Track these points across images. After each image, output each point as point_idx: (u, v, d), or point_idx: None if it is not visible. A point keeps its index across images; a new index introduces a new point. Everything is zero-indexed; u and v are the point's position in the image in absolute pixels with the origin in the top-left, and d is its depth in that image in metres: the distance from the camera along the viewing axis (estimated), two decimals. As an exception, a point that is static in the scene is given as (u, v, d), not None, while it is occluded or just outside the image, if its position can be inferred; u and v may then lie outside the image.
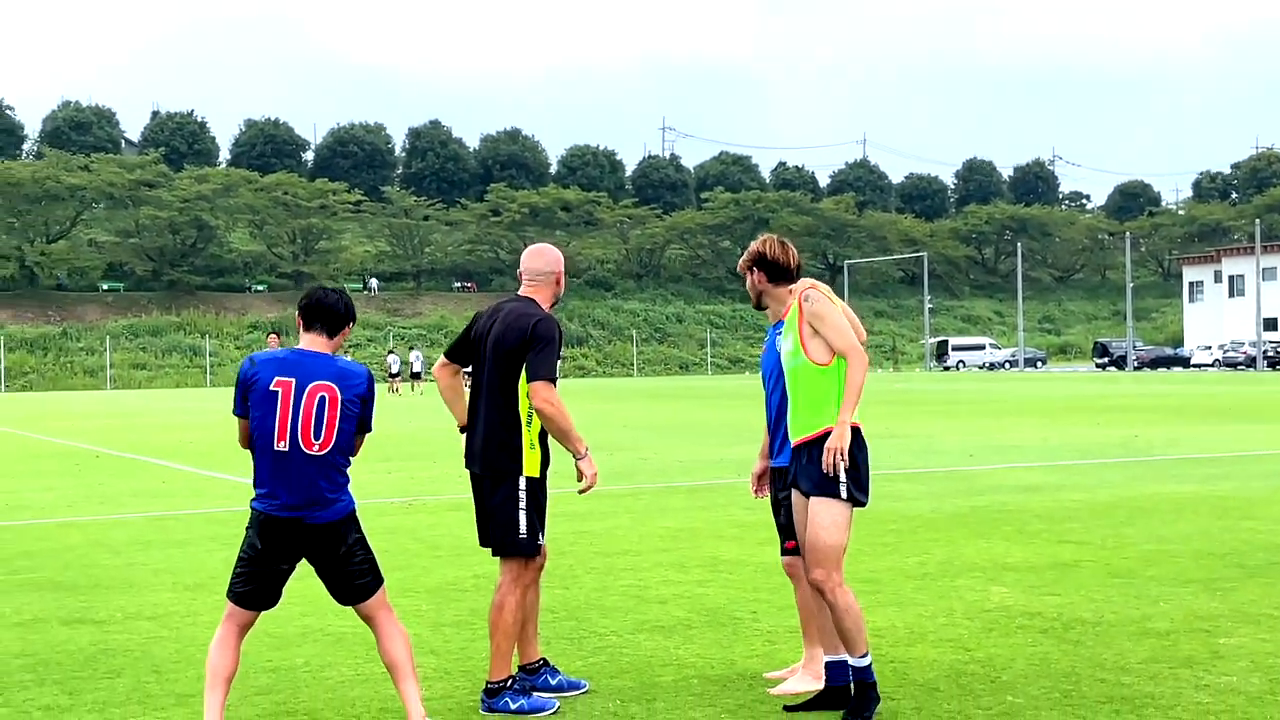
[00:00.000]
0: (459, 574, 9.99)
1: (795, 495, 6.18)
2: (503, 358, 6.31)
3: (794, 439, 6.11)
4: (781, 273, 6.40)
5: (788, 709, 6.15)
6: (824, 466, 5.88)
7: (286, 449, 5.70)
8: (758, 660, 7.16)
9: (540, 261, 6.59)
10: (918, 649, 7.29)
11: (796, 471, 6.14)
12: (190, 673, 7.04)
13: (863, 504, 6.04)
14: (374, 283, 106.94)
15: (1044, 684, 6.50)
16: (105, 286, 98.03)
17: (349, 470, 5.89)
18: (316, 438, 5.73)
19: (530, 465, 6.29)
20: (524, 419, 6.28)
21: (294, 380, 5.74)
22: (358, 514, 5.94)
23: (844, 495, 5.94)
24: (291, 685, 6.77)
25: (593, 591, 9.20)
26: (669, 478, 17.29)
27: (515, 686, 6.32)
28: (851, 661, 6.01)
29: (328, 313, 5.87)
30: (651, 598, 8.93)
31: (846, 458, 5.87)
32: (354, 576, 5.88)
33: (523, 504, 6.27)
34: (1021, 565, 9.95)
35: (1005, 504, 13.68)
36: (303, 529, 5.76)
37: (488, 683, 6.31)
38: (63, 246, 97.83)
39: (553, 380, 6.24)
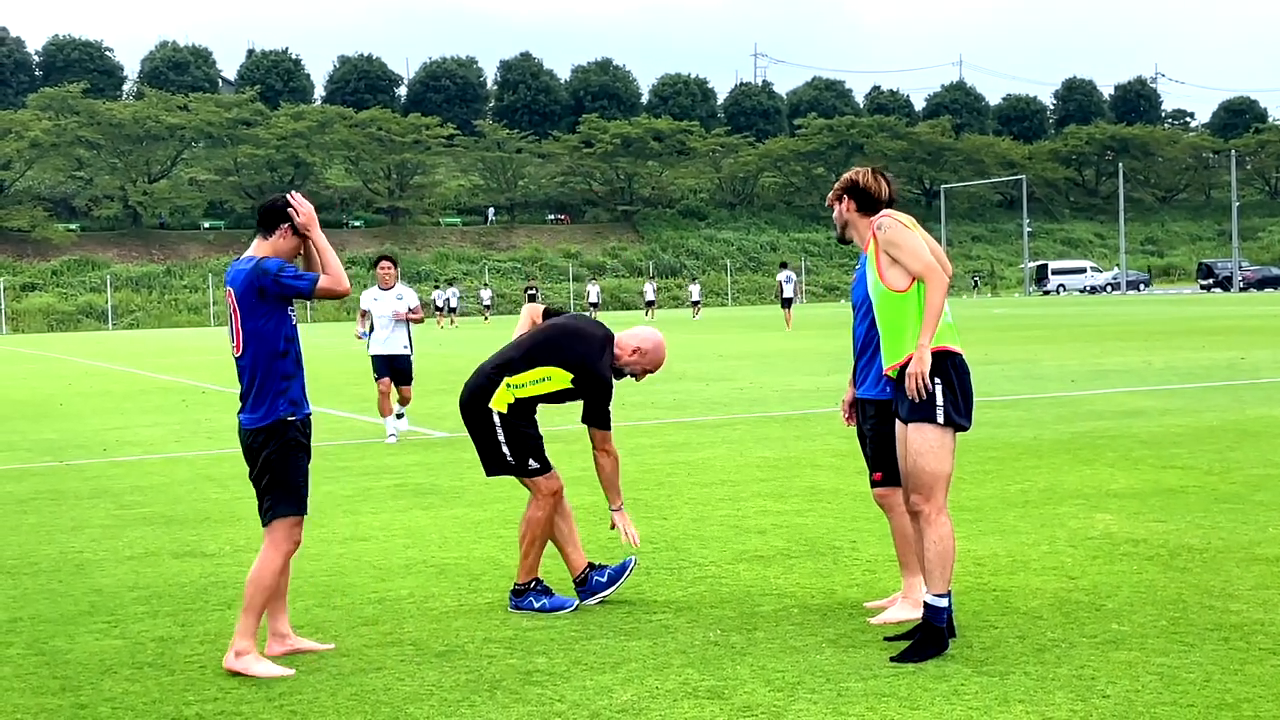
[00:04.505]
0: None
1: (897, 424, 6.13)
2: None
3: (885, 367, 6.09)
4: (871, 203, 6.34)
5: (888, 639, 6.12)
6: (908, 393, 5.84)
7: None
8: (858, 590, 7.14)
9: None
10: (1020, 577, 7.23)
11: (895, 400, 6.10)
12: (297, 604, 7.17)
13: (964, 428, 5.96)
14: (491, 211, 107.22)
15: (1149, 611, 6.42)
16: (206, 225, 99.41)
17: (283, 379, 5.98)
18: (234, 340, 6.04)
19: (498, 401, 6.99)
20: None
21: (230, 289, 6.04)
22: (284, 429, 5.99)
23: (940, 420, 5.87)
24: (396, 616, 6.87)
25: (691, 522, 9.23)
26: (765, 407, 17.26)
27: (538, 588, 6.91)
28: (926, 598, 5.86)
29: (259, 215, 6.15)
30: (750, 527, 8.94)
31: (927, 381, 5.80)
32: (261, 494, 6.05)
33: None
34: (1125, 492, 9.82)
35: (1108, 429, 13.49)
36: (241, 432, 6.03)
37: (515, 584, 6.97)
38: (164, 186, 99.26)
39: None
